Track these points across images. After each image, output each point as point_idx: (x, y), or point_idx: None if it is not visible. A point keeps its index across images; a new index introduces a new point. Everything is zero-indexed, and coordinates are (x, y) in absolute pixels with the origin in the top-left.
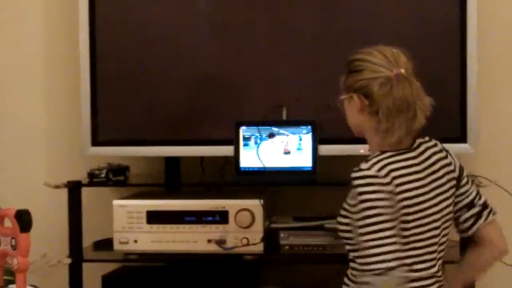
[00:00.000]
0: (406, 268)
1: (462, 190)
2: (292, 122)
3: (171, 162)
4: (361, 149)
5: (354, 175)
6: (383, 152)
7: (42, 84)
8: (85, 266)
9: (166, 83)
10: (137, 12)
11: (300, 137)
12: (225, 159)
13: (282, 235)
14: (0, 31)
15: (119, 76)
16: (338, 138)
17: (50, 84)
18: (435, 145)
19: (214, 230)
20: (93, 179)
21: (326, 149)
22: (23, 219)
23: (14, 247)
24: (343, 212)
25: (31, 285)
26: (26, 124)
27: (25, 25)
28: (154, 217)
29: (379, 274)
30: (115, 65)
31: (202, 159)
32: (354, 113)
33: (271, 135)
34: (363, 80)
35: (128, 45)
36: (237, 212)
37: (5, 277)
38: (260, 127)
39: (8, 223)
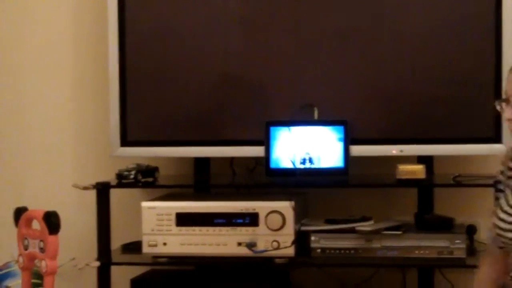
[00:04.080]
0: None
1: None
2: (323, 122)
3: (201, 163)
4: (393, 150)
5: None
6: None
7: (71, 85)
8: (114, 269)
9: (195, 84)
10: (166, 12)
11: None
12: (255, 160)
13: (313, 238)
14: (30, 32)
15: (148, 76)
16: (370, 139)
17: (79, 84)
18: None
19: (244, 233)
20: (122, 180)
21: (358, 150)
22: (52, 221)
23: (42, 250)
24: (502, 216)
25: None
26: (54, 125)
27: (55, 26)
28: (183, 219)
29: None
30: (144, 65)
31: (232, 160)
32: None
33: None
34: None
35: (157, 45)
36: (268, 214)
37: (33, 280)
38: (290, 127)
39: (37, 225)
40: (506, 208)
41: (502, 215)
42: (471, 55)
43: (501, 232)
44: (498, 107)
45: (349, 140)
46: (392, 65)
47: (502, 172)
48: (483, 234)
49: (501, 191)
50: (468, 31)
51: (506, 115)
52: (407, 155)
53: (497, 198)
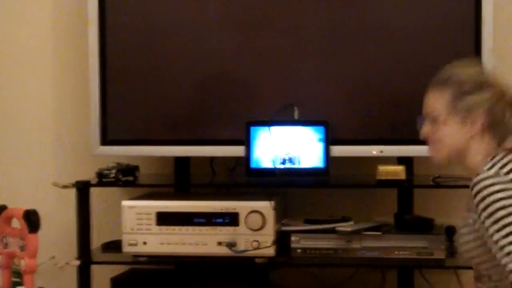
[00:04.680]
0: None
1: None
2: (304, 122)
3: (181, 163)
4: (373, 150)
5: (478, 186)
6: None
7: (51, 83)
8: (94, 268)
9: (176, 83)
10: (147, 11)
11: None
12: (236, 159)
13: (293, 238)
14: (9, 30)
15: (128, 75)
16: (350, 139)
17: (59, 82)
18: None
19: (224, 232)
20: (102, 179)
21: (339, 150)
22: (32, 219)
23: (22, 248)
24: (464, 230)
25: (39, 287)
26: (34, 123)
27: (34, 24)
28: (163, 219)
29: None
30: (125, 64)
31: (212, 159)
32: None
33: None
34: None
35: (138, 43)
36: (248, 214)
37: (13, 279)
38: (271, 127)
39: (16, 223)
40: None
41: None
42: (451, 56)
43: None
44: (418, 123)
45: (329, 141)
46: (373, 65)
47: None
48: None
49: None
50: (448, 32)
51: (421, 133)
52: (387, 156)
53: None
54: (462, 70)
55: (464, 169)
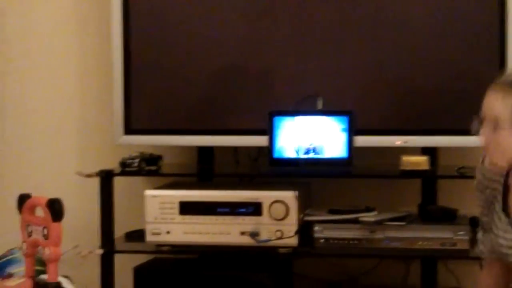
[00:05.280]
0: None
1: None
2: (328, 112)
3: (204, 152)
4: (397, 141)
5: None
6: None
7: (75, 72)
8: (117, 257)
9: (199, 72)
10: (169, 1)
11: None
12: (259, 149)
13: (316, 228)
14: (33, 20)
15: (152, 64)
16: (374, 129)
17: (83, 72)
18: None
19: (248, 222)
20: (125, 169)
21: (362, 140)
22: (55, 208)
23: (45, 237)
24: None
25: (63, 276)
26: (58, 113)
27: (58, 12)
28: (187, 208)
29: None
30: (149, 53)
31: (235, 149)
32: None
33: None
34: None
35: (162, 33)
36: (271, 204)
37: (36, 267)
38: (294, 117)
39: (40, 212)
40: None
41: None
42: (476, 47)
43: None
44: (474, 126)
45: (353, 131)
46: (397, 55)
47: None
48: None
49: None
50: (473, 23)
51: (481, 137)
52: (411, 146)
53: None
54: None
55: None
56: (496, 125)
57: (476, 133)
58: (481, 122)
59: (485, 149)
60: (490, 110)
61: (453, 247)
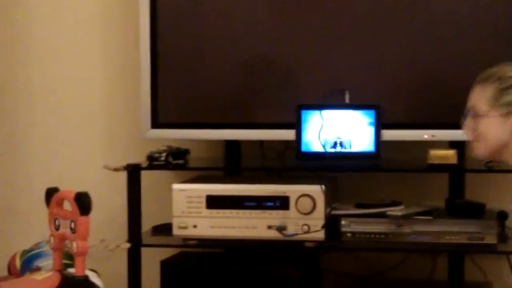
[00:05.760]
0: None
1: None
2: (355, 106)
3: (231, 146)
4: (425, 135)
5: None
6: None
7: (102, 67)
8: (144, 251)
9: (226, 66)
10: None
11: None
12: (286, 143)
13: (343, 222)
14: (59, 15)
15: (179, 58)
16: (401, 123)
17: (110, 65)
18: None
19: (275, 216)
20: (153, 162)
21: (390, 134)
22: (83, 202)
23: (73, 230)
24: None
25: (90, 269)
26: (85, 107)
27: (84, 6)
28: (213, 202)
29: None
30: (175, 47)
31: (262, 143)
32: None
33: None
34: None
35: (189, 27)
36: (298, 198)
37: (64, 261)
38: (322, 111)
39: (68, 205)
40: None
41: None
42: (505, 40)
43: None
44: (461, 120)
45: (380, 125)
46: (425, 49)
47: None
48: None
49: None
50: (503, 16)
51: (464, 130)
52: (439, 140)
53: None
54: (505, 69)
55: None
56: (475, 116)
57: (462, 126)
58: (467, 115)
59: (470, 141)
60: (470, 102)
61: (480, 242)
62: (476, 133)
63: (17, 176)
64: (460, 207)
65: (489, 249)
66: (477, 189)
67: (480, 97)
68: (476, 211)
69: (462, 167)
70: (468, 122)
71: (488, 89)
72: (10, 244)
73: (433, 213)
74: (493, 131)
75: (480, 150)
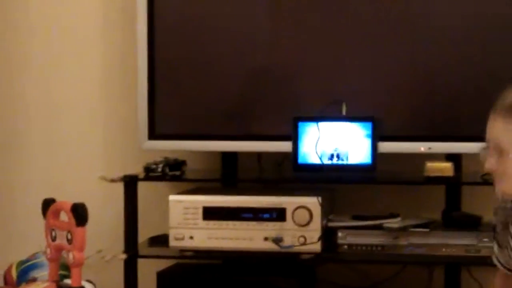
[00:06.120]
0: None
1: None
2: (351, 118)
3: (228, 158)
4: (421, 147)
5: None
6: None
7: (99, 77)
8: (140, 261)
9: (223, 78)
10: (195, 4)
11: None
12: (283, 154)
13: (340, 234)
14: (57, 22)
15: (176, 70)
16: (398, 136)
17: (108, 76)
18: None
19: (271, 228)
20: (149, 174)
21: (386, 146)
22: (79, 213)
23: (69, 241)
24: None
25: (87, 280)
26: (82, 117)
27: (82, 16)
28: (210, 213)
29: None
30: (173, 59)
31: (259, 154)
32: None
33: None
34: None
35: (186, 39)
36: (295, 210)
37: (60, 272)
38: (318, 123)
39: (64, 216)
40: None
41: None
42: (501, 53)
43: None
44: (481, 152)
45: (377, 137)
46: (422, 61)
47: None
48: None
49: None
50: (502, 29)
51: (486, 165)
52: (435, 153)
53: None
54: None
55: None
56: (500, 152)
57: (483, 160)
58: (487, 148)
59: (493, 176)
60: (493, 136)
61: (477, 254)
62: (501, 171)
63: (14, 187)
64: (457, 219)
65: (485, 261)
66: (473, 202)
67: (505, 132)
68: (472, 223)
69: (459, 180)
70: (491, 158)
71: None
72: (7, 254)
73: (430, 226)
74: None
75: (506, 189)
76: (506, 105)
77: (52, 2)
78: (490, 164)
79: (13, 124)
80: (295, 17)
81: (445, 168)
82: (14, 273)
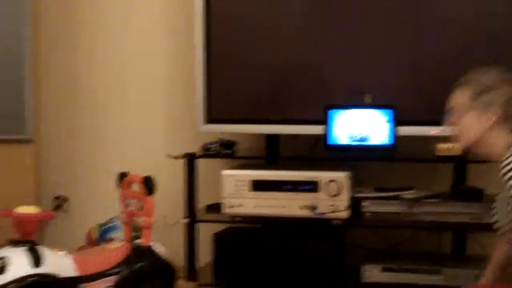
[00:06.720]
0: None
1: None
2: (374, 106)
3: (271, 139)
4: (431, 131)
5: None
6: None
7: (164, 73)
8: (199, 225)
9: (267, 72)
10: (243, 8)
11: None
12: (316, 137)
13: (364, 203)
14: (127, 21)
15: (228, 64)
16: (414, 120)
17: (171, 73)
18: None
19: (307, 198)
20: (206, 152)
21: (404, 130)
22: (149, 184)
23: (140, 208)
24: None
25: (154, 241)
26: (150, 106)
27: (148, 14)
28: (256, 186)
29: None
30: (225, 55)
31: (296, 136)
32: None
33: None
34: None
35: (236, 37)
36: (327, 183)
37: (133, 233)
38: (346, 110)
39: (136, 187)
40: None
41: None
42: (508, 44)
43: None
44: (443, 118)
45: (396, 122)
46: (432, 58)
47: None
48: None
49: None
50: (504, 24)
51: (446, 127)
52: (445, 135)
53: None
54: (481, 74)
55: (486, 158)
56: (456, 114)
57: (444, 124)
58: (448, 114)
59: (453, 136)
60: (451, 102)
61: (480, 221)
62: (457, 128)
63: (96, 163)
64: (463, 191)
65: (487, 227)
66: (477, 177)
67: (460, 98)
68: (476, 195)
69: (465, 158)
70: (449, 119)
71: (467, 91)
72: (88, 219)
73: (440, 197)
74: (471, 127)
75: (460, 143)
76: (463, 79)
77: (125, 11)
78: (448, 123)
79: (95, 114)
80: (326, 18)
81: (453, 148)
82: (94, 234)
